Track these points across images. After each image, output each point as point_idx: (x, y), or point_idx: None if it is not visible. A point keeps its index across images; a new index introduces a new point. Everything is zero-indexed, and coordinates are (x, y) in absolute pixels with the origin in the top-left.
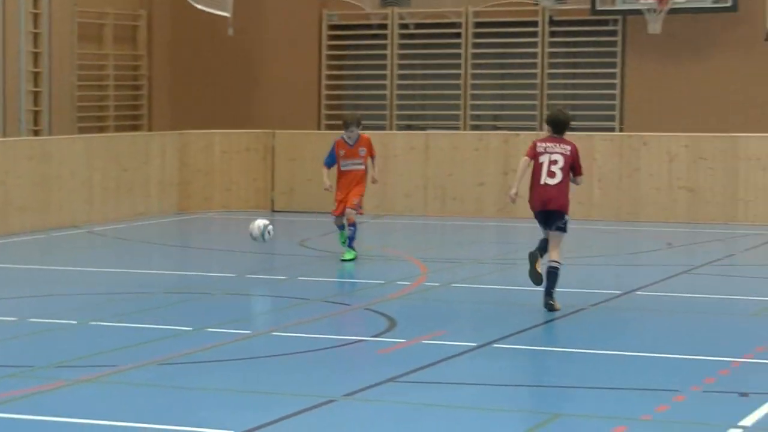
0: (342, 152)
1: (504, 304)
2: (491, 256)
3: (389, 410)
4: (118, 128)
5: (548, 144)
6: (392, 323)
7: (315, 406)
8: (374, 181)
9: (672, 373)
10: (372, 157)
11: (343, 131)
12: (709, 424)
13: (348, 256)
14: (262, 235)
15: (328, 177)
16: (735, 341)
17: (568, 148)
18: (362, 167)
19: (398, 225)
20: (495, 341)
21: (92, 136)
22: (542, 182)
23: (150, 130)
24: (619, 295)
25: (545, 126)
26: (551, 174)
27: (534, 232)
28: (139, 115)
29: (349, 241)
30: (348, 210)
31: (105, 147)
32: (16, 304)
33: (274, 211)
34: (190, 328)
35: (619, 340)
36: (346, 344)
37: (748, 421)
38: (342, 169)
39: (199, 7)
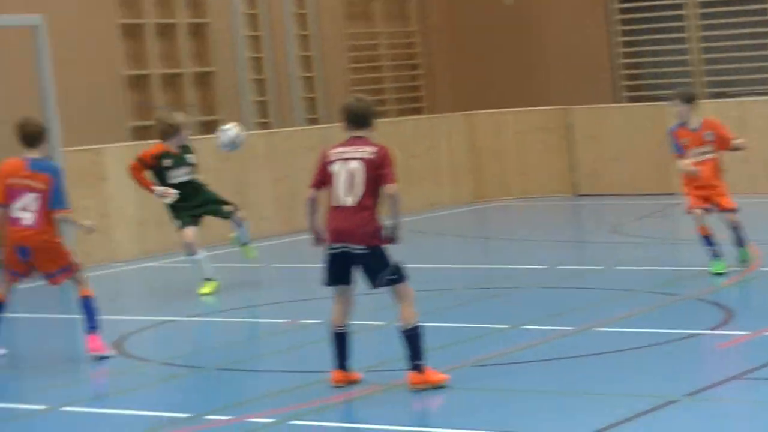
0: (685, 140)
1: None
2: None
3: (737, 410)
4: (399, 112)
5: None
6: (729, 314)
7: (655, 408)
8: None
9: None
10: (727, 145)
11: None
12: None
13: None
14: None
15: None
16: None
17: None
18: (713, 155)
19: None
20: None
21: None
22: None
23: (432, 112)
24: None
25: None
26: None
27: None
28: (418, 97)
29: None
30: (733, 218)
31: (387, 133)
32: (315, 305)
33: (578, 195)
34: (504, 326)
35: None
36: (679, 339)
37: None
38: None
39: None
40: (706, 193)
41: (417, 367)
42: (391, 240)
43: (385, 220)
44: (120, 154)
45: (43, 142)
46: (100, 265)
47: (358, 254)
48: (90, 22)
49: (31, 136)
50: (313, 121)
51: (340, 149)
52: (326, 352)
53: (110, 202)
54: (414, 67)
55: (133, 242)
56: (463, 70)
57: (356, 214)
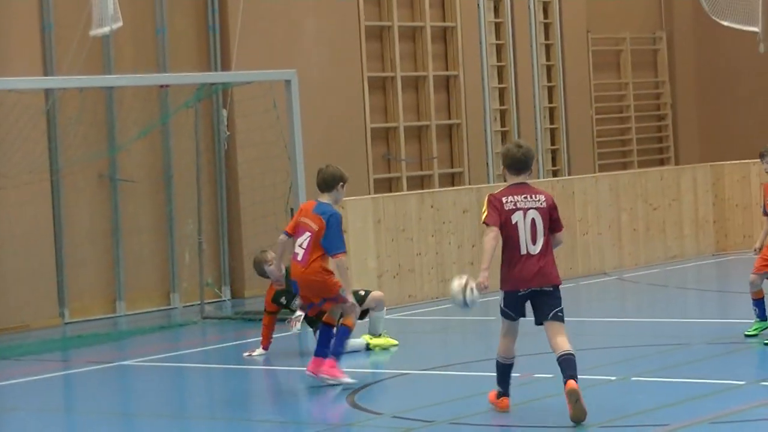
0: None
1: None
2: None
3: None
4: (642, 163)
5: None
6: None
7: None
8: None
9: None
10: None
11: None
12: None
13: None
14: (464, 297)
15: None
16: None
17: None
18: None
19: None
20: None
21: (618, 173)
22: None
23: (677, 163)
24: None
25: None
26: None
27: None
28: (664, 148)
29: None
30: None
31: (631, 184)
32: (548, 358)
33: None
34: (741, 382)
35: None
36: None
37: None
38: None
39: (725, 24)
40: None
41: (574, 377)
42: None
43: None
44: (362, 207)
45: (334, 189)
46: None
47: (545, 292)
48: (338, 75)
49: (322, 182)
50: (556, 173)
51: (513, 197)
52: (558, 407)
53: (351, 254)
54: (661, 117)
55: None
56: (710, 120)
57: (544, 258)
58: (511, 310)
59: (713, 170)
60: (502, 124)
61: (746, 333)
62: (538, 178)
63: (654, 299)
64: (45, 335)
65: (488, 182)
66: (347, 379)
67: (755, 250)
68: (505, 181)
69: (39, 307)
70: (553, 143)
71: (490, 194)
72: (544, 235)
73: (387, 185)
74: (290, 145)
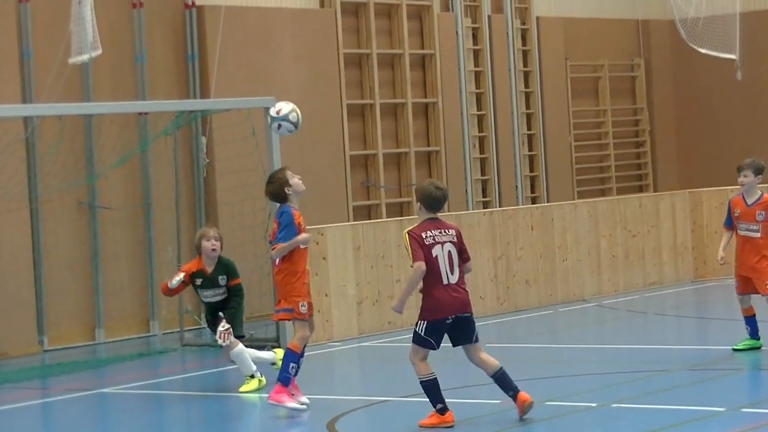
0: (737, 212)
1: None
2: None
3: None
4: (621, 190)
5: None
6: None
7: None
8: None
9: None
10: None
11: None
12: None
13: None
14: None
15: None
16: None
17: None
18: (757, 235)
19: None
20: None
21: (596, 200)
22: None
23: (656, 190)
24: None
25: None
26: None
27: None
28: (642, 175)
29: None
30: None
31: (610, 211)
32: (528, 385)
33: None
34: (722, 408)
35: None
36: None
37: None
38: (739, 233)
39: (703, 51)
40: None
41: (517, 392)
42: None
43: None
44: (342, 234)
45: (287, 197)
46: (318, 344)
47: (464, 319)
48: (317, 102)
49: (275, 199)
50: (535, 200)
51: (431, 232)
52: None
53: (330, 281)
54: (639, 144)
55: (350, 321)
56: (688, 147)
57: (461, 287)
58: (434, 338)
59: (691, 197)
60: (481, 151)
61: (734, 347)
62: (517, 204)
63: (633, 326)
64: (24, 363)
65: (467, 209)
66: (293, 404)
67: (721, 259)
68: (418, 214)
69: (18, 335)
70: (531, 170)
71: (410, 231)
72: (459, 265)
73: (366, 212)
74: (269, 172)
